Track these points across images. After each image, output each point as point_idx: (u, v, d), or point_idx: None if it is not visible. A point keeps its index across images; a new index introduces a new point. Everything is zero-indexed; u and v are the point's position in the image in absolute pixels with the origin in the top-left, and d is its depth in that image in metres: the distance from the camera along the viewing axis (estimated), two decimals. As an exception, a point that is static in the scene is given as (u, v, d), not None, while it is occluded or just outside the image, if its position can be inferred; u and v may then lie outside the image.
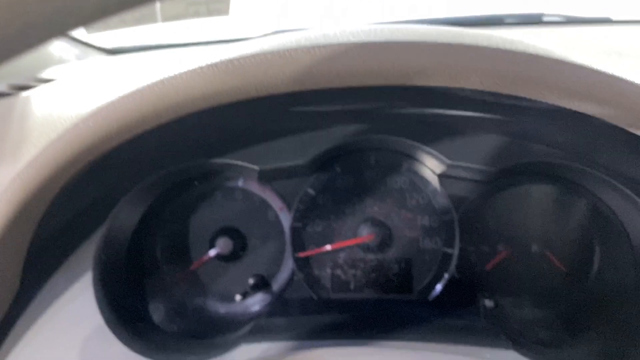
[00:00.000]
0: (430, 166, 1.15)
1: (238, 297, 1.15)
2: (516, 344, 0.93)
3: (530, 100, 0.73)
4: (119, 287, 1.04)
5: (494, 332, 0.98)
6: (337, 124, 1.07)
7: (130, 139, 0.80)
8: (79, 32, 1.80)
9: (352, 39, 0.70)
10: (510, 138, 1.02)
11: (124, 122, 0.75)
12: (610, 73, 0.68)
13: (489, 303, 1.11)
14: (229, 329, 1.11)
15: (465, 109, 0.89)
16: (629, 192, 0.96)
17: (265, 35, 1.52)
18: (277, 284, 1.23)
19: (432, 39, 0.69)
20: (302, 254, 1.22)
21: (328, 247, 1.21)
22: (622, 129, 0.75)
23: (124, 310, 1.00)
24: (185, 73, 0.72)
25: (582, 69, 0.69)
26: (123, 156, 0.89)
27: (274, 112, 0.91)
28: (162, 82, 0.72)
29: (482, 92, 0.74)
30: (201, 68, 0.71)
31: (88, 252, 0.99)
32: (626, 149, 0.83)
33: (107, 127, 0.75)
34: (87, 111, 0.76)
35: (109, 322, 0.94)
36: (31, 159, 0.76)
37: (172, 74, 0.72)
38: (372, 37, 0.70)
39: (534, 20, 1.73)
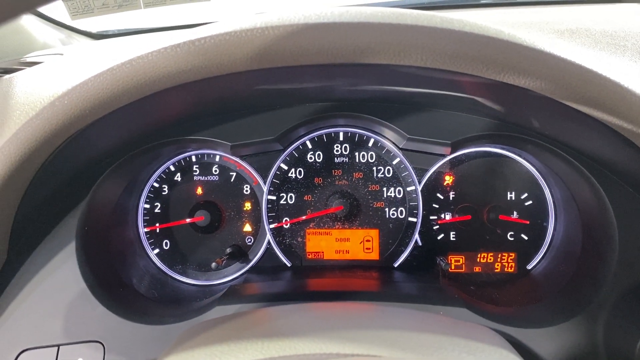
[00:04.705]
0: (393, 141, 1.22)
1: (214, 265, 1.22)
2: (469, 302, 1.01)
3: (471, 75, 0.80)
4: (101, 256, 1.11)
5: (449, 292, 1.06)
6: (304, 102, 1.14)
7: (108, 116, 0.87)
8: (64, 18, 1.85)
9: (303, 20, 0.76)
10: (461, 113, 1.09)
11: (96, 99, 0.81)
12: (539, 48, 0.75)
13: (445, 266, 1.20)
14: (206, 295, 1.18)
15: (418, 86, 0.95)
16: (573, 160, 1.03)
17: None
18: (253, 253, 1.30)
19: (376, 20, 0.76)
20: (276, 225, 1.30)
21: (301, 218, 1.29)
22: (558, 102, 0.81)
23: (106, 277, 1.08)
24: (151, 53, 0.78)
25: (514, 45, 0.75)
26: (102, 133, 0.96)
27: (241, 91, 0.97)
28: (130, 62, 0.79)
29: (426, 69, 0.81)
30: (165, 48, 0.78)
31: (72, 223, 1.06)
32: (564, 120, 0.90)
33: (81, 104, 0.81)
34: (63, 90, 0.82)
35: (91, 288, 1.01)
36: (11, 135, 0.83)
37: (139, 54, 0.78)
38: (322, 19, 0.76)
39: (508, 1, 1.78)
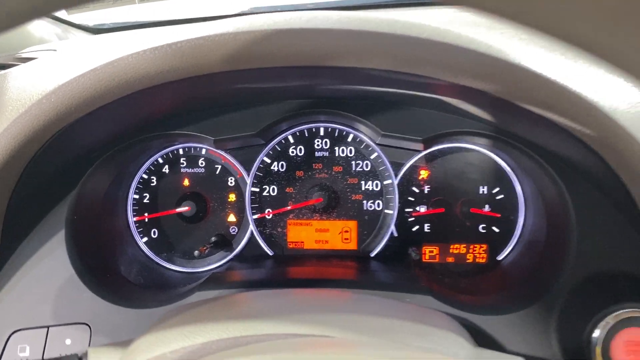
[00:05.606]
0: (369, 136, 1.28)
1: (196, 253, 1.29)
2: (436, 290, 1.07)
3: (430, 77, 0.86)
4: (90, 244, 1.17)
5: (418, 280, 1.13)
6: (284, 99, 1.20)
7: (94, 112, 0.93)
8: (61, 12, 1.90)
9: (273, 26, 0.82)
10: (431, 111, 1.15)
11: (81, 98, 0.87)
12: (491, 54, 0.80)
13: (415, 256, 1.26)
14: (190, 282, 1.25)
15: (386, 86, 1.01)
16: (536, 156, 1.08)
17: (242, 13, 1.63)
18: (236, 243, 1.37)
19: (340, 26, 0.81)
20: (259, 216, 1.36)
21: (282, 209, 1.35)
22: (512, 103, 0.87)
23: (94, 263, 1.14)
24: (131, 55, 0.84)
25: (467, 51, 0.80)
26: (89, 127, 1.01)
27: (221, 89, 1.03)
28: (111, 63, 0.84)
29: (389, 72, 0.86)
30: (144, 51, 0.83)
31: (62, 212, 1.12)
32: (523, 120, 0.95)
33: (67, 102, 0.87)
34: (50, 88, 0.88)
35: (79, 273, 1.08)
36: (2, 131, 0.89)
37: (120, 56, 0.84)
38: (290, 24, 0.81)
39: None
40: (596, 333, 0.92)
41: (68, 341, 1.03)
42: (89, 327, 1.04)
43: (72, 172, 1.13)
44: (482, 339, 0.99)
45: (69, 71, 0.90)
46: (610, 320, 0.92)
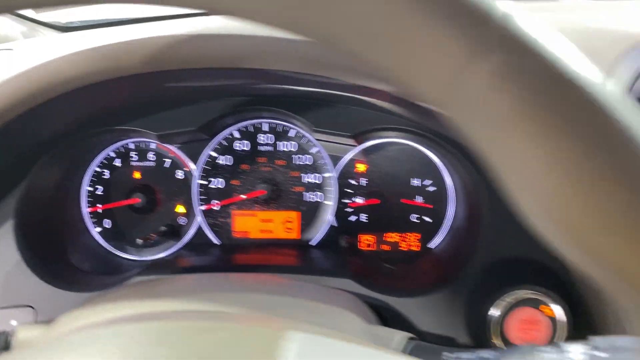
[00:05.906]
0: (307, 132, 1.36)
1: (139, 241, 1.37)
2: (359, 276, 1.15)
3: (334, 78, 0.93)
4: (40, 233, 1.25)
5: (346, 266, 1.21)
6: (221, 97, 1.27)
7: (34, 108, 1.00)
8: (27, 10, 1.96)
9: (187, 30, 0.89)
10: (360, 108, 1.22)
11: (16, 98, 0.95)
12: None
13: (345, 244, 1.34)
14: (135, 269, 1.33)
15: (306, 86, 1.08)
16: (452, 149, 1.16)
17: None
18: (185, 233, 1.45)
19: (253, 32, 0.88)
20: (206, 207, 1.44)
21: (228, 200, 1.43)
22: (410, 102, 0.95)
23: (42, 251, 1.22)
24: (58, 59, 0.91)
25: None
26: (32, 122, 1.09)
27: (153, 88, 1.10)
28: (40, 66, 0.92)
29: (298, 72, 0.94)
30: (70, 55, 0.91)
31: (12, 202, 1.19)
32: (425, 116, 1.03)
33: (3, 101, 0.94)
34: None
35: (26, 260, 1.15)
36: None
37: (47, 59, 0.92)
38: (199, 30, 0.89)
39: None
40: (494, 312, 1.00)
41: (13, 322, 1.10)
42: (34, 309, 1.12)
43: (20, 166, 1.20)
44: (395, 319, 1.07)
45: (13, 72, 0.97)
46: (508, 300, 1.00)
